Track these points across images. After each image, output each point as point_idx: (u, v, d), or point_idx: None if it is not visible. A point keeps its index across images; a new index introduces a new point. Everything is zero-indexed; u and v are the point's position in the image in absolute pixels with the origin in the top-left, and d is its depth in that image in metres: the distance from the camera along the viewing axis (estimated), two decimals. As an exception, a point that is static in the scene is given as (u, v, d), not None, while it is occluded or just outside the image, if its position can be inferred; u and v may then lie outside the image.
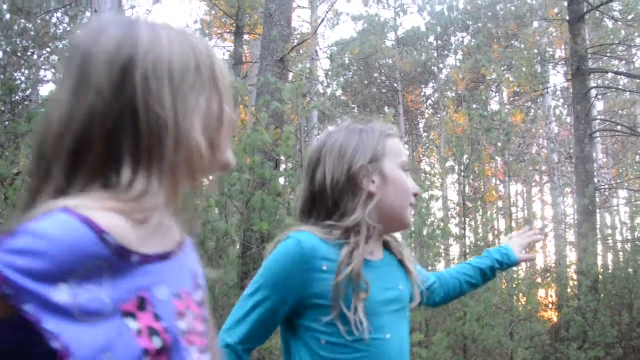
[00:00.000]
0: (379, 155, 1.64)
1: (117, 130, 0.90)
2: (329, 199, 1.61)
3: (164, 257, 0.95)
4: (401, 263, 1.71)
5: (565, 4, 12.14)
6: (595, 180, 11.79)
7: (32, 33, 12.64)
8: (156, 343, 0.87)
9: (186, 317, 0.96)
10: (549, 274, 9.49)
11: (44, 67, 14.22)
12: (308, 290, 1.50)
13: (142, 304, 0.88)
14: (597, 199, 11.81)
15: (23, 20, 11.72)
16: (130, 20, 0.97)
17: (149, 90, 0.91)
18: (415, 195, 1.66)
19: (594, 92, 12.67)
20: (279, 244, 1.57)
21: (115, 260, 0.84)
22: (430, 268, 7.71)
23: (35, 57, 13.94)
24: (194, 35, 1.01)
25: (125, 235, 0.86)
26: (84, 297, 0.80)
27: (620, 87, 17.97)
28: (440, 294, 2.02)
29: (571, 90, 12.80)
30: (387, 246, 1.72)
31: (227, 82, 1.04)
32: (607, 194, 14.92)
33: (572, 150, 14.64)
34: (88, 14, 12.15)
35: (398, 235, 1.76)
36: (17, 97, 11.25)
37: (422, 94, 28.10)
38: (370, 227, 1.58)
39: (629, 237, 11.18)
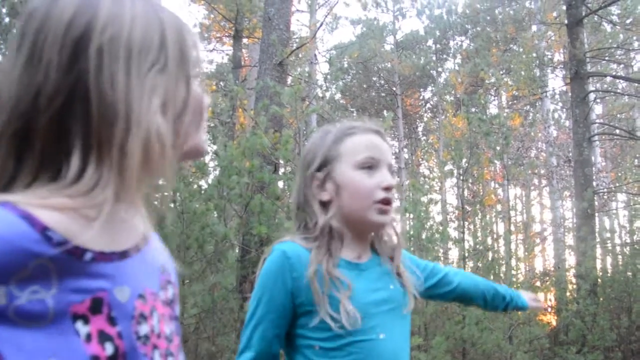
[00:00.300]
0: (330, 160, 1.61)
1: (66, 112, 0.81)
2: (300, 209, 1.65)
3: (123, 254, 0.87)
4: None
5: (564, 7, 12.17)
6: (594, 183, 11.81)
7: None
8: (108, 349, 0.80)
9: (149, 320, 0.88)
10: (547, 278, 9.51)
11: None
12: (298, 299, 1.51)
13: (96, 306, 0.80)
14: (596, 203, 11.82)
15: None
16: None
17: (101, 68, 0.81)
18: (386, 189, 1.57)
19: (592, 96, 12.68)
20: (265, 260, 1.58)
21: (64, 259, 0.77)
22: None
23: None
24: (164, 9, 0.92)
25: (74, 231, 0.78)
26: (23, 299, 0.73)
27: (618, 90, 18.01)
28: (455, 283, 1.93)
29: (570, 94, 12.82)
30: (373, 247, 1.70)
31: (199, 60, 0.95)
32: (605, 197, 14.93)
33: (570, 154, 14.67)
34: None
35: (393, 236, 1.69)
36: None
37: (421, 97, 28.14)
38: (334, 232, 1.58)
39: (628, 241, 11.19)
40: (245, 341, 1.58)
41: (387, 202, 1.57)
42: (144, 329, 0.86)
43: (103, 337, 0.80)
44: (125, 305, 0.83)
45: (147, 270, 0.92)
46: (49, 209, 0.77)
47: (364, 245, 1.65)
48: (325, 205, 1.61)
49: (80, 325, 0.78)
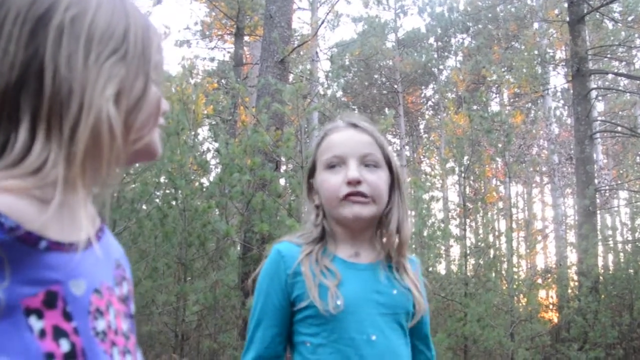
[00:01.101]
0: (315, 165, 1.67)
1: (19, 88, 0.78)
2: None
3: (78, 246, 0.81)
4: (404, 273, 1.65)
5: (566, 5, 12.15)
6: (596, 181, 11.80)
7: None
8: (63, 346, 0.76)
9: (106, 316, 0.84)
10: (549, 275, 9.51)
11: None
12: (293, 293, 1.55)
13: (50, 300, 0.75)
14: (598, 200, 11.82)
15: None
16: None
17: (59, 46, 0.79)
18: (350, 182, 1.55)
19: (594, 93, 12.67)
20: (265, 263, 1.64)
21: (16, 246, 0.72)
22: (430, 269, 7.72)
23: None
24: (133, 6, 0.91)
25: (27, 215, 0.73)
26: None
27: (620, 88, 17.99)
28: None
29: (571, 92, 12.81)
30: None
31: (160, 63, 0.94)
32: (607, 194, 14.93)
33: (572, 151, 14.65)
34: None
35: (393, 235, 1.63)
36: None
37: (423, 95, 28.13)
38: (327, 233, 1.63)
39: (630, 238, 11.18)
40: (247, 342, 1.61)
41: (353, 194, 1.56)
42: (101, 324, 0.82)
43: (58, 333, 0.76)
44: (81, 299, 0.79)
45: (102, 264, 0.88)
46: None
47: (361, 245, 1.64)
48: (318, 209, 1.66)
49: (33, 321, 0.74)
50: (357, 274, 1.57)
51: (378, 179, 1.58)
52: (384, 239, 1.64)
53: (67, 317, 0.77)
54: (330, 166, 1.60)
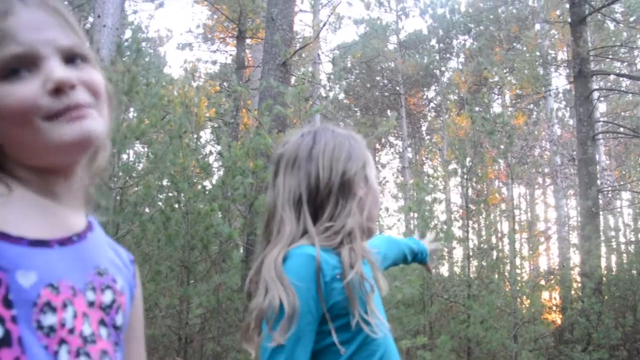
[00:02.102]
0: (366, 163, 1.65)
1: None
2: (316, 201, 1.57)
3: (38, 243, 0.83)
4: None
5: (567, 6, 12.16)
6: (598, 182, 11.79)
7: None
8: None
9: (60, 312, 0.83)
10: (552, 276, 9.50)
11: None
12: (329, 302, 1.46)
13: None
14: (600, 201, 11.80)
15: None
16: None
17: None
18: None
19: (596, 94, 12.66)
20: (287, 270, 1.47)
21: None
22: (434, 271, 7.71)
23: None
24: None
25: None
26: None
27: (622, 89, 17.97)
28: (389, 259, 2.04)
29: (573, 93, 12.81)
30: None
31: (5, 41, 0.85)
32: (610, 195, 14.90)
33: (574, 153, 14.63)
34: (91, 19, 12.19)
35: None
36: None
37: (425, 96, 28.13)
38: (363, 230, 1.58)
39: (632, 239, 11.17)
40: (287, 357, 1.41)
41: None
42: (49, 319, 0.82)
43: None
44: (27, 290, 0.80)
45: (71, 265, 0.88)
46: None
47: None
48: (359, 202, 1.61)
49: None
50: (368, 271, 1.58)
51: None
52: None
53: (8, 304, 0.78)
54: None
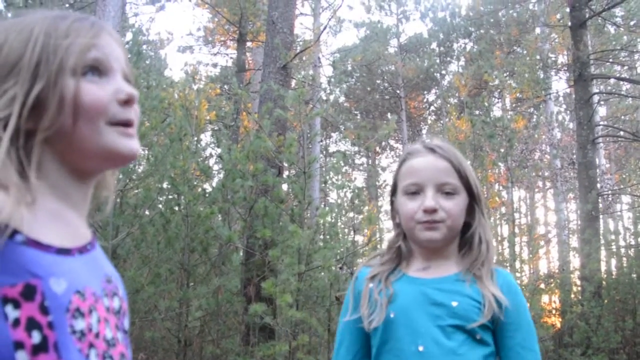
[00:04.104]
0: (396, 187, 1.77)
1: None
2: None
3: (64, 251, 0.89)
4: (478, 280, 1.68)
5: (567, 10, 12.16)
6: (598, 185, 11.78)
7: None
8: (35, 338, 0.79)
9: (87, 318, 0.88)
10: (552, 280, 9.50)
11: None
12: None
13: (29, 293, 0.80)
14: (600, 205, 11.81)
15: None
16: None
17: None
18: (425, 211, 1.65)
19: (596, 98, 12.67)
20: None
21: None
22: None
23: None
24: (43, 16, 0.99)
25: (2, 207, 0.80)
26: None
27: (622, 92, 17.97)
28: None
29: (573, 96, 12.81)
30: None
31: (77, 59, 0.97)
32: (610, 199, 14.90)
33: (574, 156, 14.63)
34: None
35: (474, 249, 1.72)
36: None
37: (425, 100, 28.14)
38: (402, 249, 1.76)
39: (632, 243, 11.16)
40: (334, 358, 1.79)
41: (428, 222, 1.66)
42: (80, 324, 0.86)
43: (32, 324, 0.80)
44: (60, 296, 0.83)
45: (89, 273, 0.93)
46: None
47: (436, 259, 1.71)
48: (398, 227, 1.78)
49: (9, 309, 0.78)
50: (414, 288, 1.66)
51: (454, 206, 1.67)
52: (465, 254, 1.73)
53: (44, 311, 0.81)
54: (409, 193, 1.69)
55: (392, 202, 1.81)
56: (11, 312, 0.79)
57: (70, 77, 0.94)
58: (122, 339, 0.98)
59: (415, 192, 1.68)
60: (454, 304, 1.60)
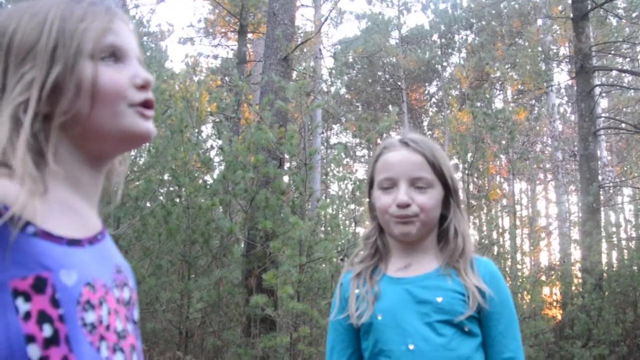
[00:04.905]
0: (372, 182, 1.77)
1: None
2: None
3: (75, 242, 0.88)
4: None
5: (569, 1, 12.13)
6: (600, 177, 11.78)
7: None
8: (46, 331, 0.79)
9: (98, 310, 0.87)
10: (553, 272, 9.51)
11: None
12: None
13: (39, 285, 0.80)
14: (602, 197, 11.80)
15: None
16: None
17: None
18: (399, 205, 1.64)
19: (598, 90, 12.64)
20: None
21: (4, 227, 0.78)
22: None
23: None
24: (58, 2, 0.99)
25: (12, 198, 0.80)
26: None
27: (624, 84, 17.92)
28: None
29: (575, 88, 12.78)
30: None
31: (94, 44, 0.97)
32: (611, 191, 14.90)
33: (576, 148, 14.63)
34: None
35: (450, 242, 1.70)
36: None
37: (426, 92, 28.09)
38: (379, 245, 1.77)
39: (634, 235, 11.17)
40: None
41: (401, 216, 1.65)
42: (90, 316, 0.85)
43: (43, 317, 0.79)
44: (71, 289, 0.83)
45: (100, 263, 0.93)
46: None
47: (415, 255, 1.71)
48: (375, 220, 1.79)
49: (20, 302, 0.78)
50: (398, 289, 1.66)
51: (428, 200, 1.66)
52: (443, 247, 1.72)
53: (55, 303, 0.81)
54: (384, 187, 1.70)
55: (369, 195, 1.80)
56: (22, 305, 0.78)
57: (88, 61, 0.95)
58: (132, 330, 0.97)
59: (389, 186, 1.69)
60: (439, 299, 1.61)
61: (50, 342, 0.79)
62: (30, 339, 0.78)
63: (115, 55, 0.99)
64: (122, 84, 0.98)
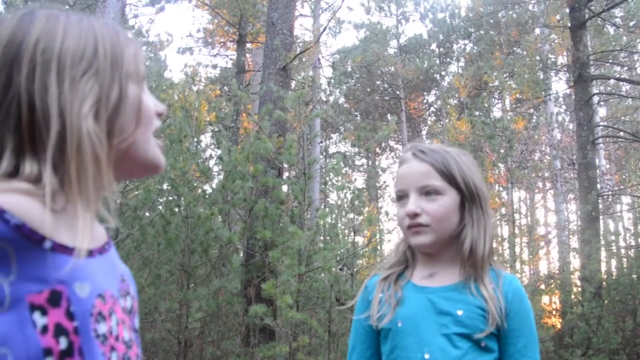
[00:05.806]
0: (395, 191, 1.80)
1: (2, 122, 0.87)
2: None
3: (87, 253, 0.88)
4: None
5: (567, 10, 12.17)
6: (598, 186, 11.79)
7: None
8: (62, 343, 0.80)
9: (108, 321, 0.89)
10: (552, 281, 9.48)
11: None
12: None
13: (55, 299, 0.81)
14: (600, 205, 11.80)
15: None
16: (28, 11, 0.93)
17: (32, 79, 0.87)
18: (408, 215, 1.66)
19: (596, 99, 12.68)
20: None
21: (22, 243, 0.78)
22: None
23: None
24: (100, 22, 0.99)
25: (33, 215, 0.80)
26: None
27: (622, 93, 17.98)
28: None
29: (573, 97, 12.83)
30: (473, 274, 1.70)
31: (135, 68, 0.99)
32: (610, 200, 14.91)
33: (574, 157, 14.64)
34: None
35: (475, 255, 1.67)
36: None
37: (425, 101, 28.16)
38: (407, 254, 1.79)
39: (632, 243, 11.18)
40: None
41: (413, 226, 1.67)
42: (102, 328, 0.87)
43: (59, 330, 0.80)
44: (84, 301, 0.84)
45: (107, 274, 0.94)
46: (8, 191, 0.80)
47: (440, 265, 1.72)
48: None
49: (37, 317, 0.79)
50: (421, 297, 1.67)
51: (438, 207, 1.65)
52: (463, 257, 1.69)
53: (70, 316, 0.82)
54: (398, 200, 1.74)
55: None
56: (39, 319, 0.79)
57: (134, 84, 0.98)
58: (135, 339, 0.98)
59: (402, 198, 1.71)
60: (459, 312, 1.60)
61: (65, 354, 0.81)
62: (48, 352, 0.79)
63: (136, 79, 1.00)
64: (152, 109, 1.00)
